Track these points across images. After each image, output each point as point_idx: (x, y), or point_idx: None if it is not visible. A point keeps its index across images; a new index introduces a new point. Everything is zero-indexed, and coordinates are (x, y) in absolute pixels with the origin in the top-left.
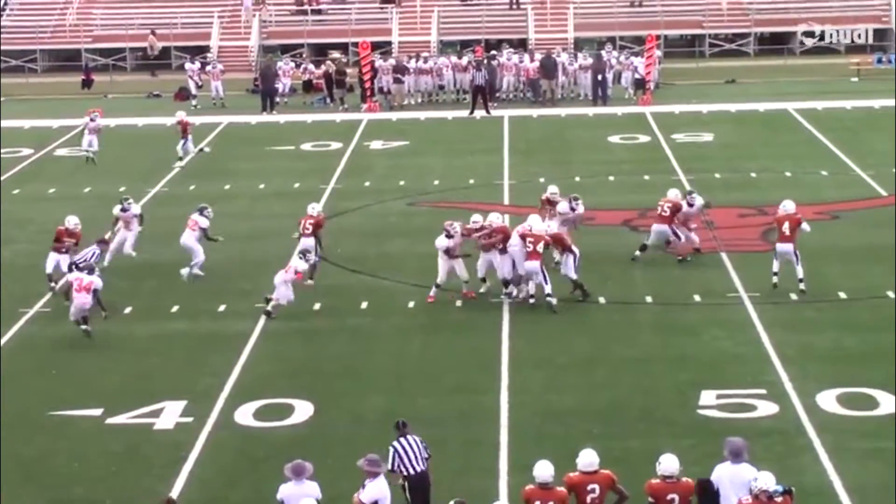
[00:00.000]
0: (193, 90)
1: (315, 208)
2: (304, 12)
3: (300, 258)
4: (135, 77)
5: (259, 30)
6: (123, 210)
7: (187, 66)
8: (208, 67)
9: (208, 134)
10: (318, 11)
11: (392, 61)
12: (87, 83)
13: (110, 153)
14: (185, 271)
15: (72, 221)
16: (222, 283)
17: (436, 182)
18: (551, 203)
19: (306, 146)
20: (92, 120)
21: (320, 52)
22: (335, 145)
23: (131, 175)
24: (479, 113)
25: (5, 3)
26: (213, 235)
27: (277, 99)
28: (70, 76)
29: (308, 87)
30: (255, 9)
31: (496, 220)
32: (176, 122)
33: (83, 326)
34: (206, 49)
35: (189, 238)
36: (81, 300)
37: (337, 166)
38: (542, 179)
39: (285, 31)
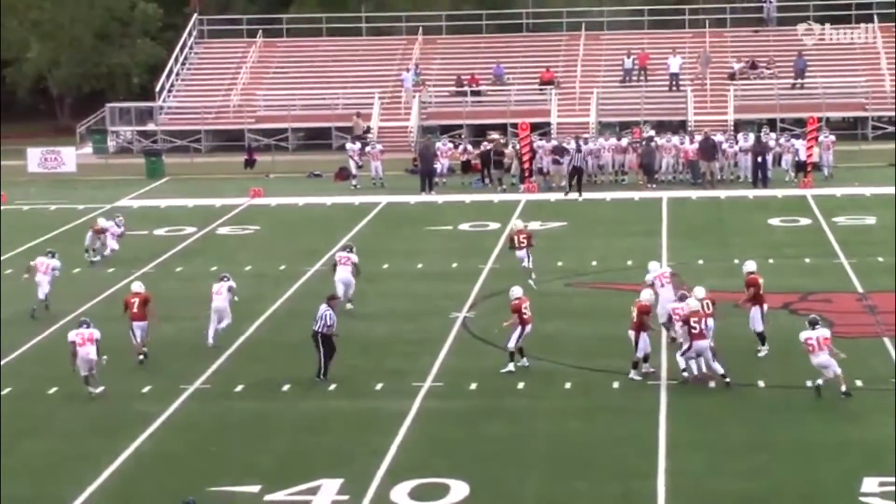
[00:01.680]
0: (353, 170)
1: None
2: (464, 93)
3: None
4: (296, 157)
5: (419, 110)
6: None
7: (348, 146)
8: (368, 147)
9: (367, 213)
10: (478, 92)
11: (552, 142)
12: (249, 163)
13: (271, 232)
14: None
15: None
16: (379, 362)
17: (594, 263)
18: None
19: (464, 226)
20: (118, 226)
21: (479, 132)
22: (493, 225)
23: (291, 254)
24: (573, 195)
25: (171, 86)
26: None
27: (436, 179)
28: (233, 156)
29: (466, 167)
30: (415, 90)
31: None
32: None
33: (90, 389)
34: (366, 130)
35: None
36: (85, 352)
37: (494, 246)
38: (700, 261)
39: (445, 112)
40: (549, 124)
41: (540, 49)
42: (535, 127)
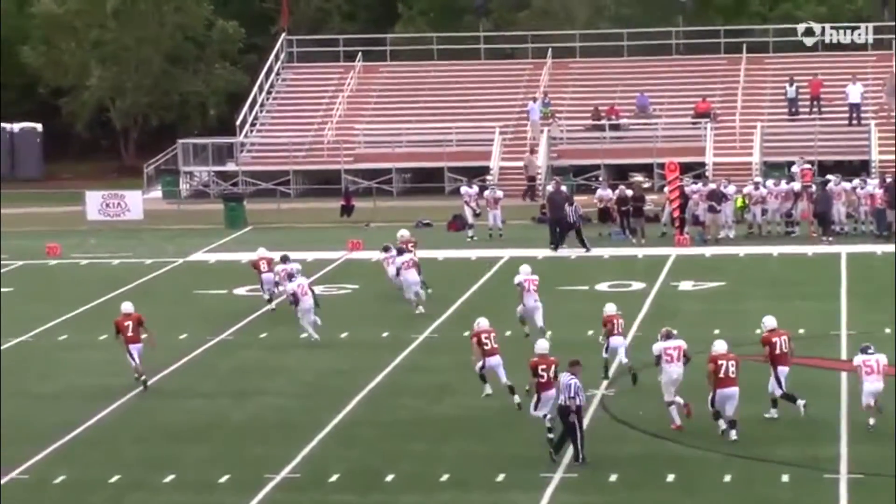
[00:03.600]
0: (469, 218)
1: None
2: (601, 127)
3: None
4: (401, 203)
5: (548, 148)
6: None
7: (463, 189)
8: (487, 192)
9: (486, 270)
10: (617, 126)
11: (709, 186)
12: (346, 210)
13: (372, 292)
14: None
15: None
16: (500, 447)
17: (757, 331)
18: None
19: (602, 286)
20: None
21: (619, 173)
22: (636, 286)
23: (396, 319)
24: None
25: (255, 119)
26: None
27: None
28: (327, 201)
29: (605, 215)
30: (543, 123)
31: None
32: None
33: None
34: (485, 171)
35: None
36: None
37: (639, 311)
38: (887, 330)
39: (578, 150)
40: (703, 164)
41: (693, 75)
42: (686, 168)
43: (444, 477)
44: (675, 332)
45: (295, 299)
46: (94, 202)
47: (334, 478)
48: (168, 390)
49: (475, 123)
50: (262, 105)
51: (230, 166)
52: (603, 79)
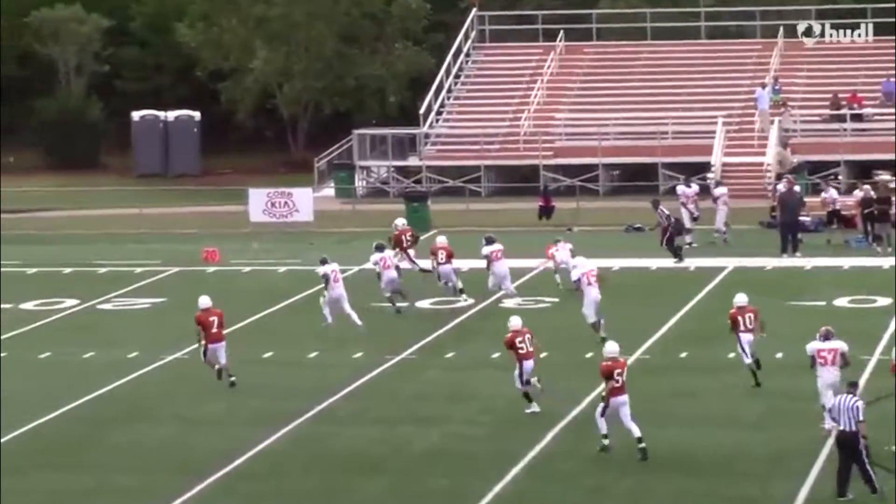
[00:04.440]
0: (688, 222)
1: None
2: (841, 118)
3: None
4: (609, 203)
5: (780, 141)
6: None
7: (680, 189)
8: (718, 191)
9: (706, 282)
10: (860, 117)
11: None
12: (545, 211)
13: (573, 306)
14: None
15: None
16: (715, 485)
17: None
18: None
19: (841, 301)
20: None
21: (862, 171)
22: (882, 301)
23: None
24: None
25: (441, 107)
26: None
27: (801, 236)
28: (522, 201)
29: (845, 219)
30: (773, 113)
31: None
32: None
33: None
34: (705, 167)
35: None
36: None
37: (883, 331)
38: None
39: (814, 144)
40: None
41: None
42: None
43: None
44: (833, 332)
45: (325, 283)
46: (258, 201)
47: None
48: (341, 415)
49: (694, 113)
50: (448, 91)
51: (412, 161)
52: (843, 61)
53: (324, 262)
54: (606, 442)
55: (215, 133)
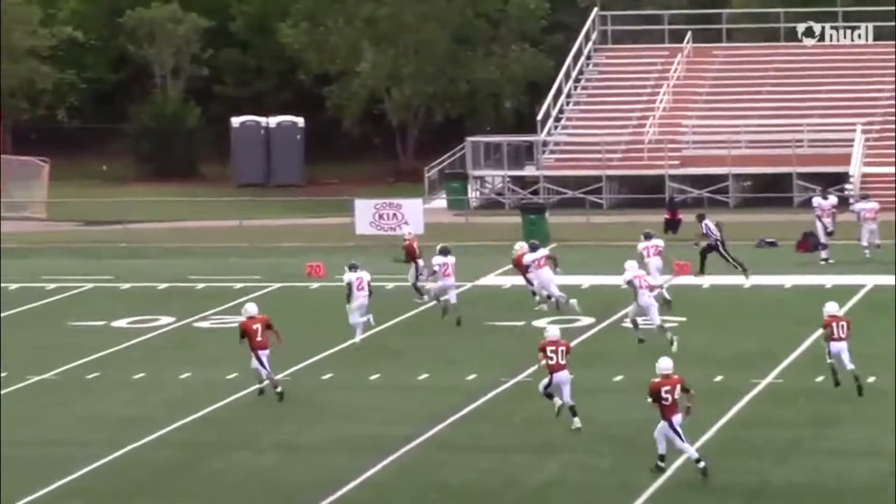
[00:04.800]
0: (822, 237)
1: None
2: None
3: None
4: (740, 216)
5: None
6: None
7: (816, 201)
8: (861, 205)
9: (844, 300)
10: None
11: None
12: (671, 224)
13: (702, 326)
14: None
15: None
16: None
17: None
18: None
19: None
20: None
21: None
22: None
23: (729, 359)
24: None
25: (560, 113)
26: None
27: None
28: (647, 213)
29: None
30: None
31: None
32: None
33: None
34: (843, 177)
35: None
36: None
37: None
38: None
39: None
40: None
41: None
42: None
43: None
44: None
45: (349, 292)
46: (365, 212)
47: None
48: (453, 443)
49: (831, 119)
50: (568, 96)
51: (529, 170)
52: None
53: (353, 268)
54: (662, 464)
55: (320, 140)
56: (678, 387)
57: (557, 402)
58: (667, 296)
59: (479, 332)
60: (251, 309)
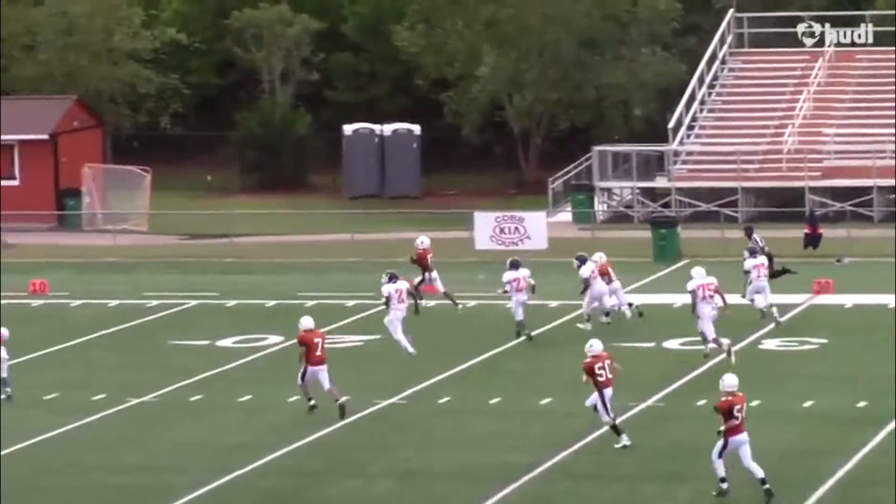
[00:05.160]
0: None
1: None
2: None
3: None
4: (885, 231)
5: None
6: None
7: None
8: None
9: None
10: None
11: None
12: (811, 239)
13: (845, 349)
14: None
15: None
16: None
17: None
18: None
19: None
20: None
21: None
22: None
23: (874, 383)
24: None
25: (693, 121)
26: None
27: None
28: (786, 229)
29: None
30: None
31: None
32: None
33: None
34: None
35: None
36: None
37: None
38: None
39: None
40: None
41: None
42: None
43: None
44: None
45: (387, 302)
46: (485, 226)
47: None
48: (578, 471)
49: None
50: (701, 103)
51: (660, 182)
52: None
53: (392, 278)
54: (725, 486)
55: (437, 149)
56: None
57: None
58: (777, 317)
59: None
60: (307, 322)
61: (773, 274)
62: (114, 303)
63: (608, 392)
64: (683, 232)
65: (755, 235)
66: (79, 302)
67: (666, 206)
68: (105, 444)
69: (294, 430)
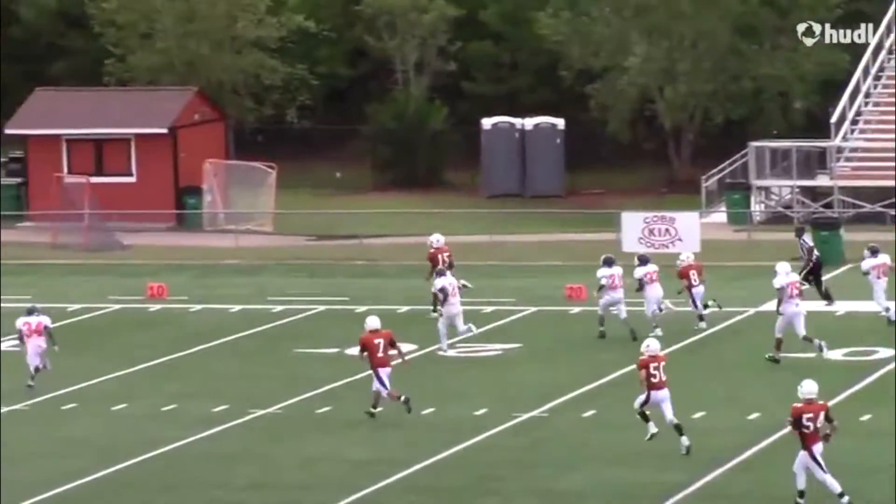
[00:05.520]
0: None
1: None
2: None
3: None
4: None
5: None
6: None
7: None
8: None
9: None
10: None
11: None
12: None
13: None
14: None
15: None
16: None
17: None
18: None
19: None
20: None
21: None
22: None
23: None
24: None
25: (857, 115)
26: None
27: None
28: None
29: None
30: None
31: None
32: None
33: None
34: None
35: None
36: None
37: None
38: None
39: None
40: None
41: None
42: None
43: None
44: None
45: (444, 297)
46: (633, 227)
47: None
48: (732, 492)
49: None
50: (866, 95)
51: (822, 180)
52: None
53: (441, 273)
54: (802, 501)
55: (582, 145)
56: (822, 414)
57: (652, 428)
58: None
59: (763, 366)
60: (373, 322)
61: (820, 289)
62: (236, 308)
63: (656, 395)
64: (846, 234)
65: (804, 237)
66: (199, 307)
67: (828, 206)
68: (225, 459)
69: (428, 445)
